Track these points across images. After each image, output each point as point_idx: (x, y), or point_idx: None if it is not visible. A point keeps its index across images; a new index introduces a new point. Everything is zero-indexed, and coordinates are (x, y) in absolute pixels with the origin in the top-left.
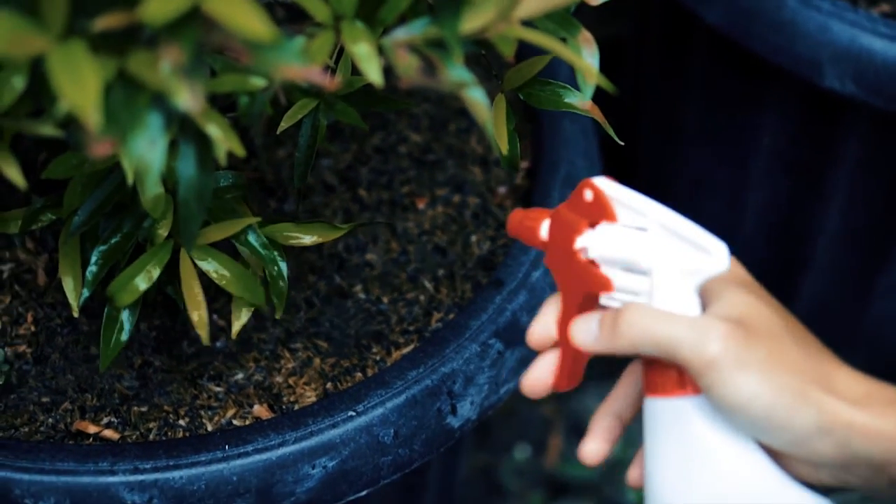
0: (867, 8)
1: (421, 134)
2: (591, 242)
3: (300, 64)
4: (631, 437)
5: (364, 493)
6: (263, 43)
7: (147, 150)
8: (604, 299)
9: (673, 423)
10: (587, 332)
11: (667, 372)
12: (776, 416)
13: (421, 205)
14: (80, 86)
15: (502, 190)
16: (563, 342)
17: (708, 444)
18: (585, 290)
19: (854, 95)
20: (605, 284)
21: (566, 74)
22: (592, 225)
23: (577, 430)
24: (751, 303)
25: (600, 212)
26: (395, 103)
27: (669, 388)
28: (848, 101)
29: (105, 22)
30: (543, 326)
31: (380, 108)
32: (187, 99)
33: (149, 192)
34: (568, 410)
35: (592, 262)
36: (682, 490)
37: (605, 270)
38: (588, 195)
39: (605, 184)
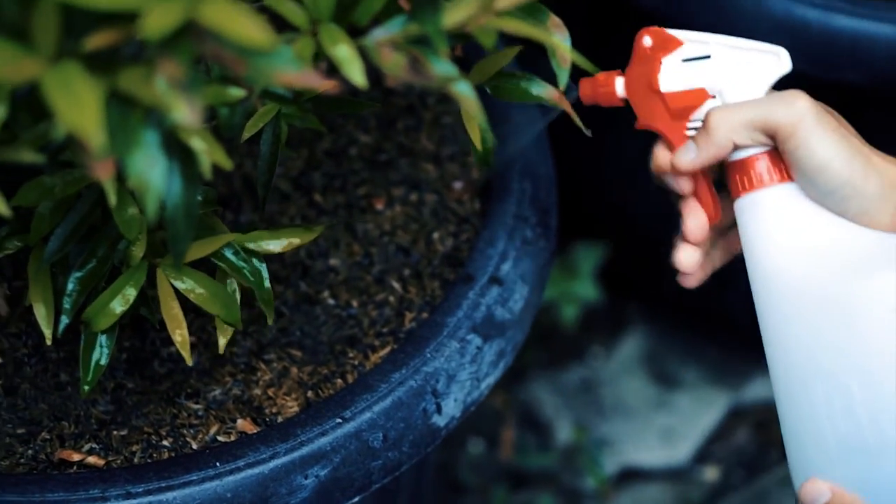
0: None
1: (370, 134)
2: (661, 78)
3: (295, 69)
4: (584, 423)
5: (356, 498)
6: (259, 50)
7: (147, 168)
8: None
9: (766, 211)
10: (686, 153)
11: (757, 165)
12: (851, 179)
13: (379, 206)
14: (80, 107)
15: (458, 185)
16: (698, 183)
17: (803, 218)
18: (690, 116)
19: None
20: (701, 93)
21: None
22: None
23: (529, 421)
24: None
25: (665, 47)
26: (360, 105)
27: (761, 181)
28: None
29: (97, 40)
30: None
31: (345, 111)
32: (186, 113)
33: (150, 210)
34: (518, 402)
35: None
36: (787, 263)
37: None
38: (647, 41)
39: (658, 29)
